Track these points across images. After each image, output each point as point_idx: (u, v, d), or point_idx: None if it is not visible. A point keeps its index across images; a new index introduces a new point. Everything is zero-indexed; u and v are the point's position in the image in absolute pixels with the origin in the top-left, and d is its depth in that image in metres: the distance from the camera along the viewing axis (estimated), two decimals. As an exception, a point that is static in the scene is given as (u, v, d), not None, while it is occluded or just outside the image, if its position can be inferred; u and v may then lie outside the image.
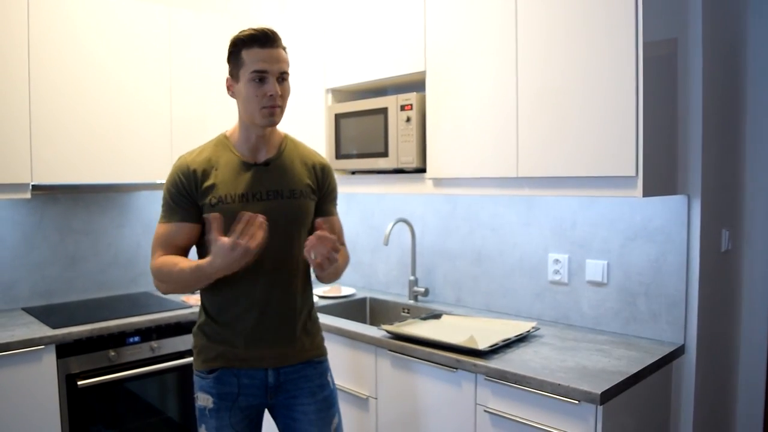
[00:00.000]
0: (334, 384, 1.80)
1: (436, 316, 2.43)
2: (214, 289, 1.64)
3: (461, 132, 2.24)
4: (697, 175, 2.00)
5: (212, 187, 1.62)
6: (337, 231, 1.81)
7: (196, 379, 1.70)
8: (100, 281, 2.98)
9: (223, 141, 1.70)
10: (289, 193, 1.68)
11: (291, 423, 1.73)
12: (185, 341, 2.62)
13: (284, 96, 1.63)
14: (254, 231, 1.46)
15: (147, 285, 3.11)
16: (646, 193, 1.80)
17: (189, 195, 1.62)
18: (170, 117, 2.82)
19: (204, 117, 2.92)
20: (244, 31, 1.60)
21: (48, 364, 2.25)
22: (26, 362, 2.20)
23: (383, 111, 2.47)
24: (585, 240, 2.29)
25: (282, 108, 1.63)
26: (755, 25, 2.17)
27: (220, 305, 1.67)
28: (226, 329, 1.66)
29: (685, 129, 2.01)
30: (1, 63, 2.33)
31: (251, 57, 1.57)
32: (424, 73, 2.37)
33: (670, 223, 2.07)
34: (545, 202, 2.40)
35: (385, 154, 2.48)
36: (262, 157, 1.69)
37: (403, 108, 2.40)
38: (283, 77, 1.62)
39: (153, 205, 3.13)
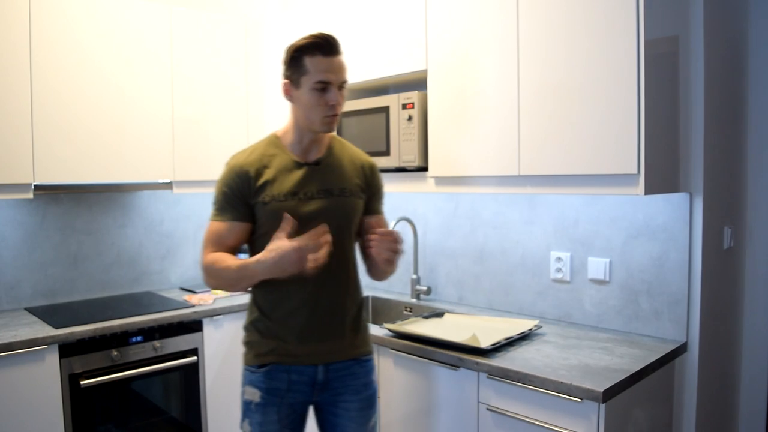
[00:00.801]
0: (376, 384, 1.82)
1: (439, 314, 2.43)
2: (268, 286, 1.66)
3: (463, 130, 2.24)
4: (699, 172, 2.00)
5: (265, 185, 1.65)
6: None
7: (245, 373, 1.73)
8: (103, 281, 2.98)
9: (274, 141, 1.73)
10: (339, 192, 1.71)
11: (331, 418, 1.76)
12: (188, 340, 2.63)
13: (342, 103, 1.66)
14: (320, 244, 1.51)
15: (149, 284, 3.12)
16: (648, 190, 1.80)
17: (242, 195, 1.66)
18: (171, 116, 2.82)
19: (205, 116, 2.91)
20: (305, 37, 1.61)
21: (51, 363, 2.26)
22: (29, 362, 2.20)
23: (385, 110, 2.47)
24: (587, 238, 2.29)
25: (339, 115, 1.67)
26: (757, 22, 2.17)
27: (273, 302, 1.70)
28: (279, 325, 1.69)
29: (687, 126, 2.01)
30: (2, 64, 2.34)
31: (315, 66, 1.59)
32: (425, 71, 2.37)
33: (673, 221, 2.07)
34: (547, 200, 2.40)
35: (386, 152, 2.48)
36: (313, 157, 1.72)
37: (404, 107, 2.40)
38: (342, 85, 1.65)
39: (155, 204, 3.13)
